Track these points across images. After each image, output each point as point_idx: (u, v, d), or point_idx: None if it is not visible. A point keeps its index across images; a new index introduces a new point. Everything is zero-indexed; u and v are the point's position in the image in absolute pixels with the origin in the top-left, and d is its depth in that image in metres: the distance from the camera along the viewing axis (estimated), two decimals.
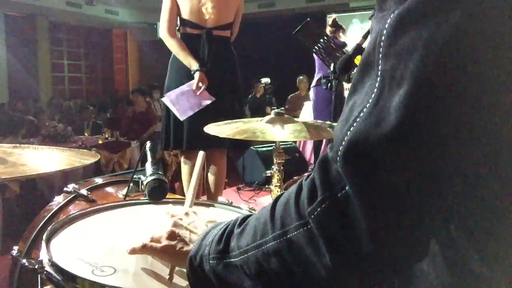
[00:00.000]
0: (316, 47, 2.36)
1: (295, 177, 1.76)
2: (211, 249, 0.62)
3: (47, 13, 11.32)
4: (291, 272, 0.51)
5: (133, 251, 0.84)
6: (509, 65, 0.37)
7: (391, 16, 0.41)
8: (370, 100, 0.42)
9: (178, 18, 2.82)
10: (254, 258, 0.55)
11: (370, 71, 0.43)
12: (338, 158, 0.43)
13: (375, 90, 0.42)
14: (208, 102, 2.67)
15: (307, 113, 5.91)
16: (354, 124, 0.43)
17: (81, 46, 13.53)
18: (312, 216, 0.47)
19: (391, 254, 0.43)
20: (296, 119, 1.64)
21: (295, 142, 5.16)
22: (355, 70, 1.97)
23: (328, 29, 4.59)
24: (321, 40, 2.35)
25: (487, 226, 0.43)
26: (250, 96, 8.32)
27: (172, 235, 0.78)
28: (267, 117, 1.58)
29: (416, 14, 0.39)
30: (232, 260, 0.58)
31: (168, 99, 2.74)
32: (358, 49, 1.94)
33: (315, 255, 0.47)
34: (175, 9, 2.78)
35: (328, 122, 1.67)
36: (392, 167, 0.40)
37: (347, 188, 0.43)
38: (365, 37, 2.00)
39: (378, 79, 0.42)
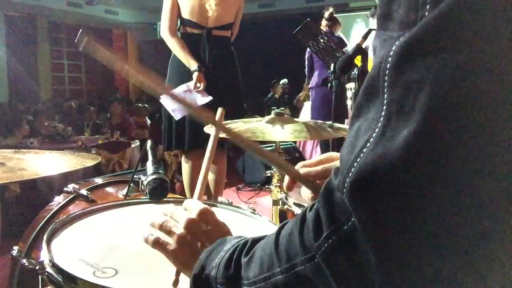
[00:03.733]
0: (316, 47, 2.36)
1: None
2: (219, 273, 0.63)
3: (47, 13, 11.32)
4: None
5: (146, 241, 0.81)
6: None
7: (396, 43, 0.40)
8: (377, 130, 0.41)
9: (179, 17, 2.83)
10: None
11: (375, 97, 0.43)
12: (344, 190, 0.43)
13: (381, 119, 0.41)
14: (205, 101, 2.67)
15: (307, 113, 5.91)
16: (361, 155, 0.42)
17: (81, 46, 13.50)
18: (320, 251, 0.46)
19: (402, 285, 0.42)
20: (296, 119, 1.64)
21: (295, 142, 5.16)
22: (355, 71, 1.97)
23: (324, 23, 4.47)
24: (321, 40, 2.35)
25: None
26: (269, 96, 8.40)
27: (183, 242, 0.76)
28: (267, 117, 1.57)
29: (424, 44, 0.38)
30: None
31: (165, 98, 2.75)
32: (358, 49, 1.94)
33: None
34: (176, 9, 2.79)
35: (328, 122, 1.67)
36: (401, 200, 0.40)
37: (352, 219, 0.43)
38: (365, 37, 2.00)
39: (384, 108, 0.41)
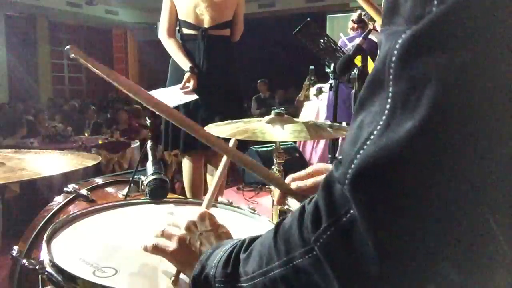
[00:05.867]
0: (316, 47, 2.36)
1: None
2: (217, 272, 0.63)
3: (47, 13, 11.32)
4: None
5: (145, 249, 0.83)
6: None
7: (402, 37, 0.40)
8: (381, 122, 0.41)
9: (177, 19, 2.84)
10: (262, 285, 0.55)
11: (379, 91, 0.43)
12: (346, 181, 0.43)
13: (386, 112, 0.41)
14: (190, 99, 2.68)
15: (307, 113, 5.90)
16: (364, 147, 0.42)
17: (81, 46, 13.48)
18: (318, 243, 0.46)
19: (400, 277, 0.43)
20: (296, 119, 1.64)
21: (295, 142, 5.16)
22: (355, 71, 1.97)
23: (350, 25, 4.28)
24: (321, 40, 2.35)
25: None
26: (255, 96, 8.43)
27: (183, 242, 0.79)
28: (267, 117, 1.57)
29: (430, 40, 0.38)
30: (242, 285, 0.59)
31: (157, 94, 2.78)
32: (358, 49, 1.94)
33: (322, 281, 0.47)
34: (174, 11, 2.81)
35: (328, 122, 1.67)
36: (403, 192, 0.40)
37: (352, 212, 0.43)
38: (365, 37, 2.00)
39: (389, 100, 0.41)
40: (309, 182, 0.87)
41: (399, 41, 0.40)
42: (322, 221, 0.46)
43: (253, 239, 0.62)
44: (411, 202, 0.40)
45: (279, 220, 0.57)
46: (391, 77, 0.41)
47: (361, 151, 0.42)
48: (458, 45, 0.37)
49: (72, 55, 0.76)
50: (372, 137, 0.42)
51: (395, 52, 0.40)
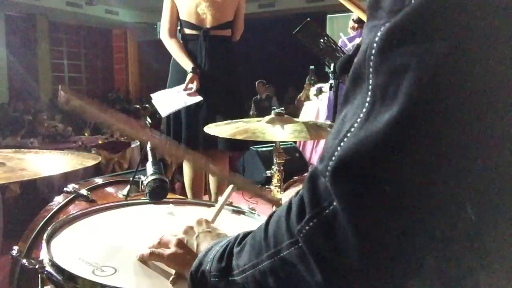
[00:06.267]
0: (316, 47, 2.36)
1: (295, 177, 1.76)
2: (212, 267, 0.64)
3: (47, 13, 11.32)
4: None
5: (142, 258, 0.87)
6: (504, 88, 0.37)
7: (381, 29, 0.40)
8: (361, 115, 0.42)
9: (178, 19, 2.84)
10: (252, 277, 0.56)
11: (361, 84, 0.43)
12: (327, 173, 0.43)
13: (366, 104, 0.42)
14: (194, 101, 2.68)
15: (308, 113, 5.90)
16: (345, 139, 0.42)
17: (81, 46, 13.53)
18: (301, 234, 0.47)
19: (381, 270, 0.43)
20: (296, 119, 1.64)
21: (295, 142, 5.16)
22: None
23: (351, 24, 4.27)
24: (321, 40, 2.35)
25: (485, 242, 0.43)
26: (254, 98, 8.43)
27: (180, 243, 0.81)
28: (267, 117, 1.57)
29: (408, 31, 0.39)
30: (234, 278, 0.60)
31: (155, 96, 2.78)
32: (358, 49, 1.94)
33: (307, 273, 0.47)
34: (175, 11, 2.81)
35: (328, 122, 1.67)
36: (381, 184, 0.40)
37: (334, 204, 0.43)
38: None
39: (369, 93, 0.42)
40: None
41: (378, 34, 0.40)
42: (306, 212, 0.47)
43: (246, 234, 0.63)
44: (390, 194, 0.40)
45: (270, 214, 0.58)
46: (371, 69, 0.41)
47: (341, 144, 0.42)
48: (435, 36, 0.37)
49: (62, 97, 0.78)
50: (352, 129, 0.42)
51: (375, 44, 0.41)
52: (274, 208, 0.99)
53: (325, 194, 0.45)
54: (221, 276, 0.62)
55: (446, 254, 0.43)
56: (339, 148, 0.42)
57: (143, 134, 0.87)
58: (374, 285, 0.44)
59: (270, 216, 0.57)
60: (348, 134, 0.42)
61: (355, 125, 0.42)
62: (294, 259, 0.49)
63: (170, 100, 2.73)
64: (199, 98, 2.68)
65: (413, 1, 0.38)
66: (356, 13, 2.06)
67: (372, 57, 0.41)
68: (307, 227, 0.46)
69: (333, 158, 0.43)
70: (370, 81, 0.41)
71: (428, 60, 0.37)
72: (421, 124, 0.38)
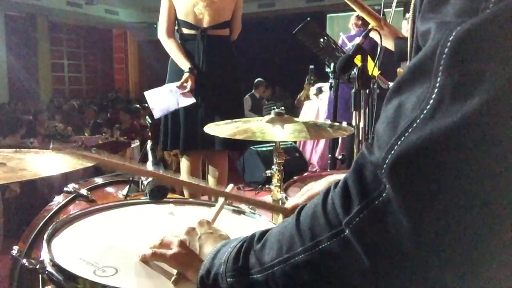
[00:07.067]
0: (316, 47, 2.36)
1: (295, 177, 1.76)
2: (228, 267, 0.63)
3: (47, 13, 11.32)
4: (325, 282, 0.51)
5: (144, 258, 0.87)
6: None
7: (457, 29, 0.40)
8: (425, 112, 0.42)
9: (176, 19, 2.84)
10: (281, 272, 0.55)
11: (424, 79, 0.43)
12: (384, 166, 0.44)
13: (431, 101, 0.42)
14: (188, 103, 2.67)
15: (307, 113, 5.90)
16: (406, 134, 0.43)
17: (81, 46, 13.53)
18: (350, 225, 0.47)
19: (432, 255, 0.43)
20: (296, 119, 1.64)
21: (295, 142, 5.16)
22: (355, 70, 1.97)
23: (353, 21, 4.24)
24: (321, 40, 2.35)
25: None
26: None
27: (183, 244, 0.81)
28: (267, 117, 1.57)
29: (488, 35, 0.39)
30: (254, 276, 0.59)
31: (148, 95, 2.78)
32: (358, 49, 1.94)
33: (352, 262, 0.48)
34: (172, 11, 2.81)
35: (328, 122, 1.67)
36: (442, 180, 0.41)
37: (384, 195, 0.44)
38: (365, 36, 1.99)
39: (436, 91, 0.42)
40: (303, 198, 0.96)
41: (453, 33, 0.40)
42: (353, 204, 0.47)
43: (264, 232, 0.63)
44: (450, 190, 0.41)
45: (297, 210, 0.58)
46: (441, 67, 0.41)
47: (402, 138, 0.43)
48: None
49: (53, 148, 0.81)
50: (415, 124, 0.43)
51: (449, 44, 0.41)
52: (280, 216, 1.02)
53: (374, 184, 0.45)
54: (239, 275, 0.61)
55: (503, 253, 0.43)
56: (399, 142, 0.43)
57: (143, 170, 0.90)
58: (424, 270, 0.44)
59: (299, 211, 0.57)
60: (410, 129, 0.43)
61: (418, 120, 0.42)
62: (337, 250, 0.49)
63: (163, 100, 2.73)
64: (192, 100, 2.68)
65: (491, 6, 0.39)
66: (362, 15, 2.05)
67: (444, 55, 0.41)
68: (357, 219, 0.47)
69: (393, 151, 0.43)
70: (439, 78, 0.42)
71: (507, 67, 0.38)
72: (490, 129, 0.39)
